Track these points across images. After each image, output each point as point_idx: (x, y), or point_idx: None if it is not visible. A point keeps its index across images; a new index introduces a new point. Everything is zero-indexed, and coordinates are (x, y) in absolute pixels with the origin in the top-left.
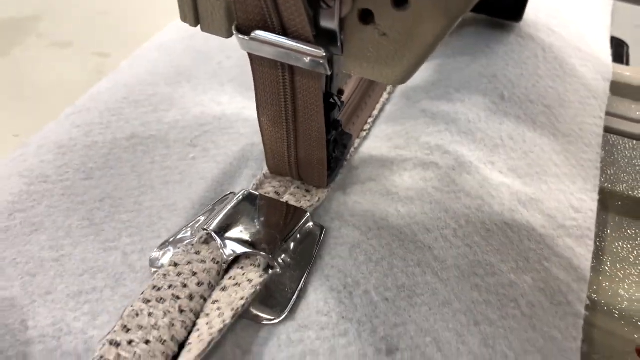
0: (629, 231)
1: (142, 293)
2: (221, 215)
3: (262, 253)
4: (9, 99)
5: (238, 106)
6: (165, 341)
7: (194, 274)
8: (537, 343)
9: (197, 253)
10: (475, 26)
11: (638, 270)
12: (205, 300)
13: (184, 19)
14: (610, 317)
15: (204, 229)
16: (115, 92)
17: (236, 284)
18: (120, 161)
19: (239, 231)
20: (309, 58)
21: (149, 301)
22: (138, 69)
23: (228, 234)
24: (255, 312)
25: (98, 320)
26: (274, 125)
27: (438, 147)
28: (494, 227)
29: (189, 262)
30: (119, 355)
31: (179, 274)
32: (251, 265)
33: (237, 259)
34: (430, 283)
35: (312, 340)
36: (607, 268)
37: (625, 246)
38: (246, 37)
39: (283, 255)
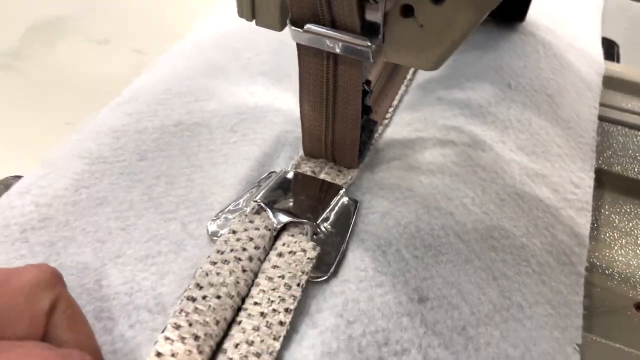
0: (623, 207)
1: (209, 257)
2: (267, 190)
3: (307, 221)
4: (58, 89)
5: (269, 97)
6: (232, 296)
7: (251, 239)
8: (546, 296)
9: (251, 222)
10: (484, 25)
11: (631, 239)
12: (261, 261)
13: (240, 14)
14: (608, 277)
15: (254, 201)
16: (157, 85)
17: (291, 251)
18: (170, 144)
19: (284, 203)
20: (355, 48)
21: (215, 263)
22: (175, 63)
23: (276, 206)
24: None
25: (165, 279)
26: (314, 109)
27: (454, 128)
28: (507, 197)
29: (245, 229)
30: (196, 308)
31: (237, 240)
32: (300, 233)
33: (285, 227)
34: (453, 244)
35: (352, 290)
36: (604, 237)
37: (620, 219)
38: (300, 30)
39: (325, 224)
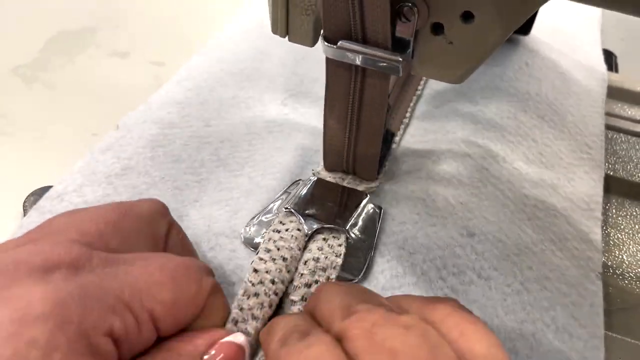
0: (629, 210)
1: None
2: (296, 197)
3: (338, 227)
4: (82, 101)
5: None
6: (287, 265)
7: (292, 237)
8: (572, 233)
9: (286, 229)
10: None
11: (638, 239)
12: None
13: (274, 30)
14: (619, 277)
15: (285, 208)
16: (211, 65)
17: (326, 256)
18: (229, 113)
19: (313, 210)
20: (386, 63)
21: (269, 250)
22: (223, 49)
23: (306, 212)
24: (338, 275)
25: (238, 214)
26: (339, 122)
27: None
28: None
29: (286, 230)
30: (281, 237)
31: (280, 238)
32: (332, 237)
33: (317, 231)
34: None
35: (409, 230)
36: (613, 239)
37: (627, 222)
38: (333, 46)
39: (353, 230)
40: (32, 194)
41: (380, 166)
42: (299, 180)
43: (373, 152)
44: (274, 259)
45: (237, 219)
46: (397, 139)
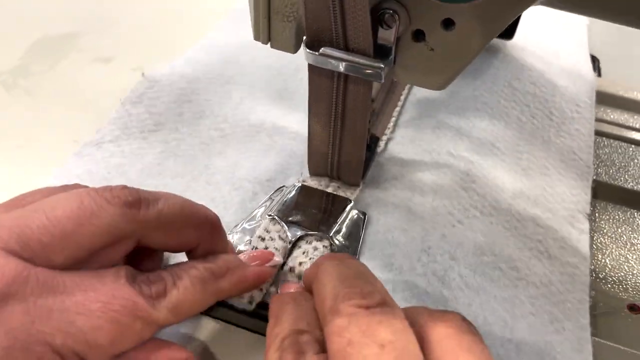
0: (612, 214)
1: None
2: (280, 204)
3: (321, 234)
4: (63, 107)
5: None
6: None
7: (275, 247)
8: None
9: (271, 238)
10: None
11: (620, 243)
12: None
13: (256, 37)
14: (602, 281)
15: (269, 215)
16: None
17: (310, 258)
18: (250, 75)
19: (297, 217)
20: (368, 69)
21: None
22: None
23: (290, 219)
24: None
25: (262, 164)
26: (322, 128)
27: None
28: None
29: (271, 239)
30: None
31: (266, 247)
32: (316, 241)
33: (302, 238)
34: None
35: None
36: (596, 242)
37: (610, 226)
38: (315, 52)
39: (337, 236)
40: None
41: (365, 171)
42: (283, 186)
43: (357, 157)
44: None
45: (260, 166)
46: (381, 143)
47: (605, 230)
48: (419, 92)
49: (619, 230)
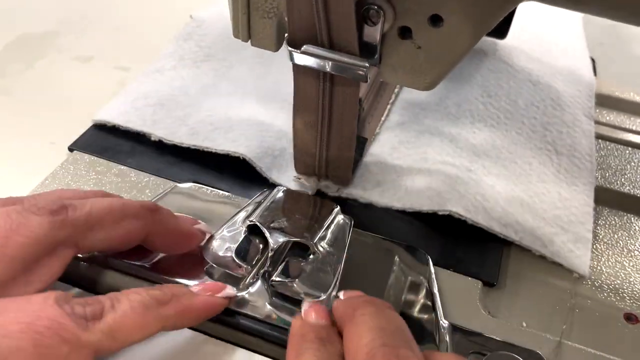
0: (608, 219)
1: None
2: (262, 209)
3: (304, 240)
4: (40, 109)
5: None
6: None
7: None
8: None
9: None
10: None
11: (617, 250)
12: None
13: (236, 34)
14: (598, 289)
15: (250, 221)
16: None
17: None
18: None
19: (280, 222)
20: (352, 68)
21: None
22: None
23: (272, 225)
24: (304, 290)
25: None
26: (308, 129)
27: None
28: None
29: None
30: None
31: None
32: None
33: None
34: None
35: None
36: (593, 249)
37: (606, 231)
38: (297, 51)
39: (322, 243)
40: None
41: (353, 172)
42: (265, 190)
43: (346, 157)
44: None
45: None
46: (371, 145)
47: (601, 236)
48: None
49: (616, 236)
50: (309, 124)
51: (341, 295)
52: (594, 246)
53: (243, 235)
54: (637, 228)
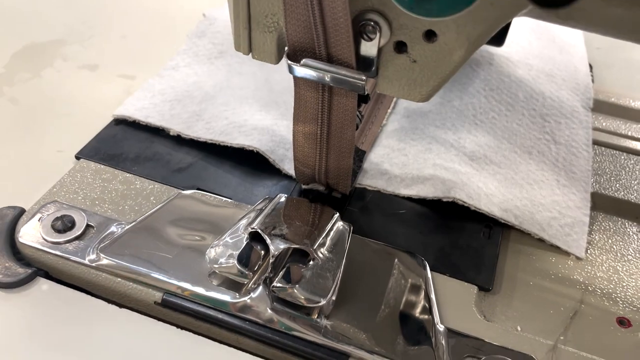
0: (603, 224)
1: None
2: (264, 216)
3: (304, 247)
4: (48, 116)
5: None
6: None
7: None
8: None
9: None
10: None
11: (611, 255)
12: None
13: (237, 48)
14: (591, 294)
15: (252, 228)
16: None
17: None
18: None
19: (281, 229)
20: (350, 81)
21: None
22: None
23: (273, 232)
24: (304, 296)
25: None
26: (308, 139)
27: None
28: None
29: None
30: None
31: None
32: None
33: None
34: None
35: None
36: (586, 253)
37: (600, 236)
38: (297, 64)
39: (322, 249)
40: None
41: (352, 181)
42: (267, 197)
43: (345, 167)
44: None
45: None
46: (369, 154)
47: (596, 241)
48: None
49: (610, 241)
50: (308, 135)
51: None
52: (589, 251)
53: (245, 242)
54: (630, 233)
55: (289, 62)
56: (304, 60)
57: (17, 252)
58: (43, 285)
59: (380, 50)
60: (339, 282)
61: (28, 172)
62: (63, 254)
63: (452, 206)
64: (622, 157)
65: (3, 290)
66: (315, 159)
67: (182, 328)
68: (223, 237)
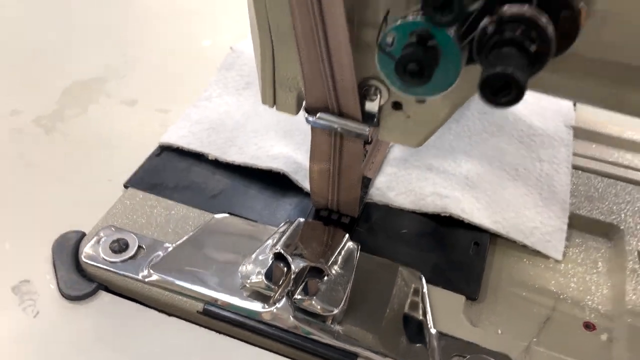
0: (574, 239)
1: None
2: (286, 238)
3: (320, 265)
4: (96, 148)
5: None
6: None
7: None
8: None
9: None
10: None
11: (581, 268)
12: None
13: (264, 101)
14: (561, 302)
15: (276, 249)
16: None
17: None
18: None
19: (301, 249)
20: (357, 131)
21: None
22: None
23: (294, 252)
24: (320, 306)
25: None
26: (322, 176)
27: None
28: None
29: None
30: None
31: None
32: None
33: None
34: None
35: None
36: (558, 266)
37: (572, 251)
38: (313, 117)
39: (334, 267)
40: (60, 238)
41: (360, 205)
42: (288, 221)
43: (353, 197)
44: None
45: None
46: (374, 180)
47: (569, 255)
48: None
49: (582, 255)
50: (322, 172)
51: None
52: (562, 265)
53: (270, 261)
54: (600, 248)
55: (306, 115)
56: (319, 114)
57: (80, 270)
58: (105, 297)
59: (380, 107)
60: (349, 294)
61: (85, 199)
62: (120, 271)
63: (446, 223)
64: (597, 181)
65: (72, 302)
66: (328, 192)
67: (221, 333)
68: (252, 256)
